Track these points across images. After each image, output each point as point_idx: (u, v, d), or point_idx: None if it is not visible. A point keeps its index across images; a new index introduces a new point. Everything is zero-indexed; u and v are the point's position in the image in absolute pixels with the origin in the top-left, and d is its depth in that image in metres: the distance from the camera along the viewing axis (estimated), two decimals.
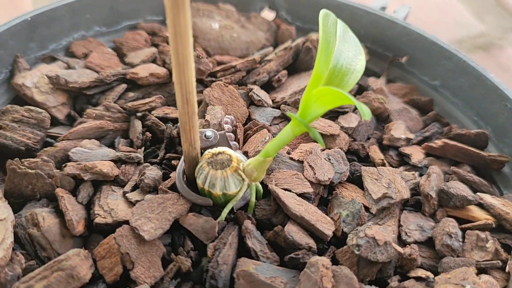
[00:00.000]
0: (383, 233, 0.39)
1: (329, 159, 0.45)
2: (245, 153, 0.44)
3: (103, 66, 0.52)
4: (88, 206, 0.41)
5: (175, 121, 0.48)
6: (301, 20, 0.63)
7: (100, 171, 0.41)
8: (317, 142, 0.47)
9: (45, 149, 0.43)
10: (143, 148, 0.45)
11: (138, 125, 0.47)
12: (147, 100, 0.49)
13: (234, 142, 0.44)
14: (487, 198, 0.44)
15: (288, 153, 0.46)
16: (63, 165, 0.41)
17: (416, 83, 0.58)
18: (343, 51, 0.38)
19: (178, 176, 0.41)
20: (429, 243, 0.41)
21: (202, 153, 0.41)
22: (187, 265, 0.37)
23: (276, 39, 0.61)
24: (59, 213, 0.39)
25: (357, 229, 0.39)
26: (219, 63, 0.55)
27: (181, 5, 0.28)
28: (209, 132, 0.43)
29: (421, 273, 0.38)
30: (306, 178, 0.43)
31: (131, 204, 0.40)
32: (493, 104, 0.51)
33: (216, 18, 0.60)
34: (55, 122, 0.47)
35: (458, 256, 0.40)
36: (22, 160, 0.40)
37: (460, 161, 0.49)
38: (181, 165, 0.42)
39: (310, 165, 0.44)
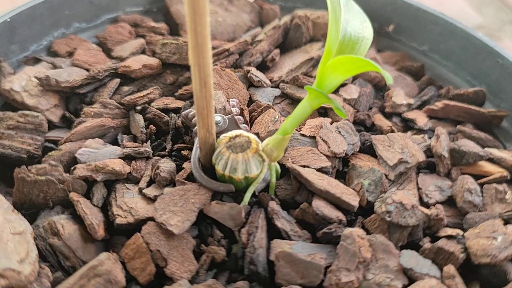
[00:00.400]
0: (409, 197, 0.39)
1: (340, 132, 0.45)
2: (256, 134, 0.43)
3: (91, 63, 0.50)
4: (104, 208, 0.39)
5: (176, 111, 0.47)
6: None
7: (113, 169, 0.39)
8: (325, 116, 0.47)
9: (49, 154, 0.40)
10: (149, 142, 0.44)
11: (139, 119, 0.45)
12: (144, 92, 0.47)
13: (244, 125, 0.43)
14: (496, 152, 0.45)
15: (298, 130, 0.45)
16: (72, 168, 0.39)
17: (405, 50, 0.59)
18: (349, 20, 0.38)
19: (194, 165, 0.40)
20: (449, 202, 0.42)
21: None
22: (221, 254, 0.36)
23: (260, 19, 0.60)
24: (77, 219, 0.37)
25: (382, 197, 0.39)
26: None
27: None
28: (217, 117, 0.42)
29: (450, 231, 0.39)
30: (321, 153, 0.42)
31: (150, 200, 0.39)
32: (485, 62, 0.52)
33: None
34: (50, 125, 0.45)
35: (480, 211, 0.41)
36: (29, 167, 0.38)
37: (462, 120, 0.49)
38: (195, 153, 0.40)
39: (323, 140, 0.43)
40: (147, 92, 0.47)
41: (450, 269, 0.36)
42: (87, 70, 0.49)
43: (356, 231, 0.36)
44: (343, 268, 0.35)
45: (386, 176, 0.42)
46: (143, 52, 0.52)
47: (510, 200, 0.40)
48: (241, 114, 0.45)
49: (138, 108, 0.46)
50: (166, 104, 0.46)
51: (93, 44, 0.53)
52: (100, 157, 0.41)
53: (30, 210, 0.38)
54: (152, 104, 0.47)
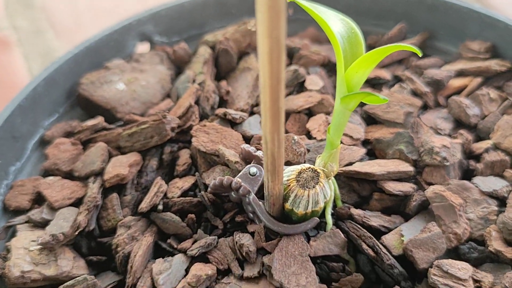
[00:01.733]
0: (441, 138, 0.43)
1: None
2: (288, 163, 0.43)
3: (69, 196, 0.43)
4: None
5: (192, 188, 0.44)
6: (177, 34, 0.61)
7: (207, 275, 0.36)
8: (310, 115, 0.48)
9: None
10: (199, 231, 0.41)
11: (171, 217, 0.41)
12: (154, 190, 0.43)
13: None
14: (453, 67, 0.51)
15: (310, 138, 0.46)
16: None
17: (304, 25, 0.62)
18: (330, 22, 0.39)
19: (270, 221, 0.39)
20: (456, 124, 0.48)
21: (255, 193, 0.39)
22: (360, 279, 0.36)
23: (175, 63, 0.58)
24: None
25: (424, 150, 0.43)
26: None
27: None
28: (253, 169, 0.41)
29: (483, 145, 0.44)
30: (350, 145, 0.44)
31: (257, 279, 0.37)
32: (384, 3, 0.58)
33: (114, 79, 0.53)
34: None
35: (483, 118, 0.47)
36: None
37: (402, 58, 0.55)
38: (262, 212, 0.39)
39: (343, 134, 0.45)
40: (156, 188, 0.43)
41: (510, 173, 0.42)
42: (74, 205, 0.43)
43: (436, 187, 0.40)
44: (451, 223, 0.38)
45: None
46: (110, 155, 0.47)
47: (496, 97, 0.47)
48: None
49: (160, 208, 0.42)
50: (182, 187, 0.43)
51: (48, 177, 0.46)
52: (178, 274, 0.37)
53: None
54: (169, 195, 0.43)
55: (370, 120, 0.48)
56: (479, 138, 0.46)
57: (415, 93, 0.49)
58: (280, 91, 0.28)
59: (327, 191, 0.38)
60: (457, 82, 0.50)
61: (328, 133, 0.38)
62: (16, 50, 0.75)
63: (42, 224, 0.42)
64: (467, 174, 0.43)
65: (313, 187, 0.37)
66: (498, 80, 0.50)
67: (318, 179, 0.38)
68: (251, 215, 0.40)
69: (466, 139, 0.44)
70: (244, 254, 0.38)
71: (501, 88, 0.49)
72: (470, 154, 0.45)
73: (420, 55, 0.34)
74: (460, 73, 0.51)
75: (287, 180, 0.38)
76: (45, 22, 0.79)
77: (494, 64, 0.50)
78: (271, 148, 0.32)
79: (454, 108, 0.48)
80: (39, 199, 0.44)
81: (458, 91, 0.50)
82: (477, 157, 0.44)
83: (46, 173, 0.47)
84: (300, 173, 0.38)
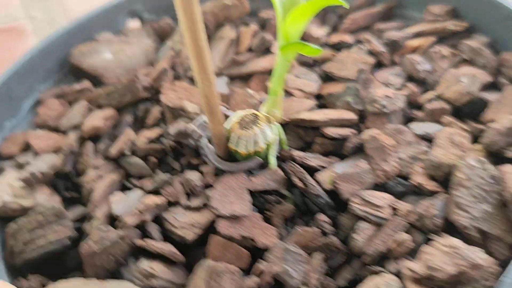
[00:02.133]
0: (385, 89, 0.46)
1: (300, 77, 0.50)
2: None
3: (53, 146, 0.49)
4: (168, 238, 0.41)
5: (159, 138, 0.49)
6: (164, 12, 0.66)
7: (156, 204, 0.41)
8: None
9: (91, 226, 0.41)
10: (158, 171, 0.45)
11: (136, 161, 0.46)
12: (123, 138, 0.48)
13: (231, 112, 0.47)
14: (412, 30, 0.54)
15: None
16: (118, 223, 0.40)
17: None
18: None
19: (217, 161, 0.43)
20: (408, 80, 0.50)
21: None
22: (289, 207, 0.40)
23: (160, 37, 0.63)
24: (154, 257, 0.39)
25: (367, 101, 0.46)
26: None
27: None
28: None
29: (428, 96, 0.47)
30: (301, 98, 0.48)
31: (201, 208, 0.41)
32: None
33: (102, 50, 0.59)
34: None
35: (433, 74, 0.49)
36: (88, 243, 0.38)
37: (369, 24, 0.58)
38: (211, 152, 0.43)
39: (294, 88, 0.49)
40: (125, 137, 0.48)
41: (447, 119, 0.44)
42: (55, 152, 0.49)
43: (372, 131, 0.43)
44: (380, 161, 0.41)
45: None
46: (90, 110, 0.52)
47: (448, 54, 0.50)
48: None
49: (127, 153, 0.47)
50: (149, 137, 0.48)
51: (37, 130, 0.52)
52: (133, 203, 0.42)
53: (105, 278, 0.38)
54: (136, 143, 0.48)
55: (328, 78, 0.52)
56: (426, 91, 0.49)
57: (372, 53, 0.52)
58: (198, 31, 0.33)
59: (267, 134, 0.42)
60: (415, 42, 0.53)
61: (270, 82, 0.42)
62: (32, 39, 0.82)
63: (26, 166, 0.48)
64: (409, 121, 0.46)
65: (252, 129, 0.41)
66: (454, 39, 0.52)
67: (257, 121, 0.42)
68: (205, 158, 0.45)
69: (412, 91, 0.47)
70: (191, 188, 0.42)
71: (456, 46, 0.51)
72: (415, 105, 0.47)
73: (348, 7, 0.38)
74: (419, 34, 0.53)
75: (232, 124, 0.42)
76: (60, 12, 0.86)
77: (450, 25, 0.52)
78: (203, 88, 0.37)
79: (406, 65, 0.50)
80: (27, 148, 0.51)
81: (415, 51, 0.52)
82: (421, 107, 0.47)
83: (38, 128, 0.54)
84: (242, 118, 0.42)
